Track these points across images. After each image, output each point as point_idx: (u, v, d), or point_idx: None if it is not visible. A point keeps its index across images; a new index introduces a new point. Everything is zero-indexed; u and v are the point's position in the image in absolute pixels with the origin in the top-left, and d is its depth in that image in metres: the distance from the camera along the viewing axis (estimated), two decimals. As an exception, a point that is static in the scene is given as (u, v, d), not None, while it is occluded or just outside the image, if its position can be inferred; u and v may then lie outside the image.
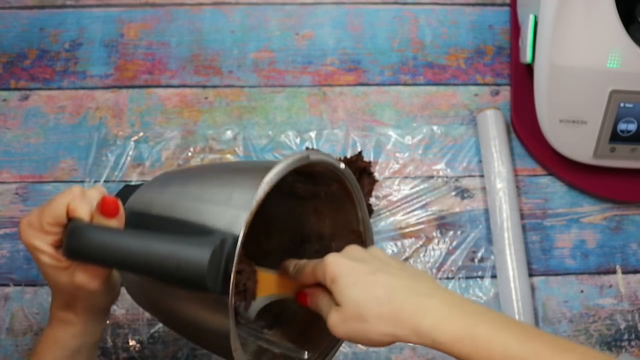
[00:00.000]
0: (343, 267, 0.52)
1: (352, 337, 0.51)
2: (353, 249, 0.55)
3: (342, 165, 0.60)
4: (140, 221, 0.54)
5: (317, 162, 0.57)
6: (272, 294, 0.58)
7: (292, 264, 0.58)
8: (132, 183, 0.84)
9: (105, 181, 0.85)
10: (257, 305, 0.57)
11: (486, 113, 0.87)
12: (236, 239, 0.47)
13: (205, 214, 0.51)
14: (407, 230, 0.85)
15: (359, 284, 0.51)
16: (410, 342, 0.49)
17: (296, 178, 0.64)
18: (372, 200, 0.85)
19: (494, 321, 0.48)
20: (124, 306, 0.80)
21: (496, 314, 0.49)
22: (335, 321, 0.51)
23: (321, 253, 0.56)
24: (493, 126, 0.87)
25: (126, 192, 0.60)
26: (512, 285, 0.80)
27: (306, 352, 0.62)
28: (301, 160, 0.54)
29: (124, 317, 0.80)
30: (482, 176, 0.88)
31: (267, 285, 0.58)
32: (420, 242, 0.84)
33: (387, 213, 0.86)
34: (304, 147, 0.87)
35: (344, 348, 0.79)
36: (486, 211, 0.86)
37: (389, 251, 0.84)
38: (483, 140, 0.87)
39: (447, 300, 0.49)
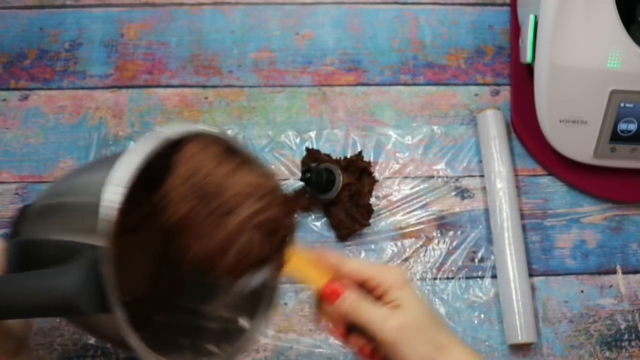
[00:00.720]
0: (410, 285, 0.53)
1: (399, 343, 0.51)
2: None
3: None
4: (23, 250, 0.53)
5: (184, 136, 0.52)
6: (296, 274, 0.55)
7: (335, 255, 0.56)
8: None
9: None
10: (256, 279, 0.55)
11: (486, 113, 0.87)
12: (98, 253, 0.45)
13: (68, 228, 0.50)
14: (407, 230, 0.85)
15: (425, 315, 0.52)
16: None
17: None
18: (372, 200, 0.85)
19: None
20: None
21: None
22: (395, 324, 0.51)
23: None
24: (493, 126, 0.86)
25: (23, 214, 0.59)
26: (512, 285, 0.79)
27: (243, 320, 0.60)
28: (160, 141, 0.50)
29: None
30: (482, 176, 0.88)
31: (297, 264, 0.55)
32: (421, 242, 0.84)
33: (387, 213, 0.86)
34: (303, 148, 0.87)
35: (345, 349, 0.79)
36: (486, 211, 0.86)
37: (389, 251, 0.84)
38: (483, 140, 0.87)
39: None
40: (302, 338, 0.79)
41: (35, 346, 0.78)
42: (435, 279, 0.83)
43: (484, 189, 0.87)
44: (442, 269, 0.83)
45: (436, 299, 0.82)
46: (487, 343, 0.80)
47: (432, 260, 0.84)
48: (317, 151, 0.86)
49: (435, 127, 0.90)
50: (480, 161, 0.88)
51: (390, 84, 0.93)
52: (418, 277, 0.83)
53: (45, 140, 0.88)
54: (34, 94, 0.91)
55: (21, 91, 0.91)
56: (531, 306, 0.79)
